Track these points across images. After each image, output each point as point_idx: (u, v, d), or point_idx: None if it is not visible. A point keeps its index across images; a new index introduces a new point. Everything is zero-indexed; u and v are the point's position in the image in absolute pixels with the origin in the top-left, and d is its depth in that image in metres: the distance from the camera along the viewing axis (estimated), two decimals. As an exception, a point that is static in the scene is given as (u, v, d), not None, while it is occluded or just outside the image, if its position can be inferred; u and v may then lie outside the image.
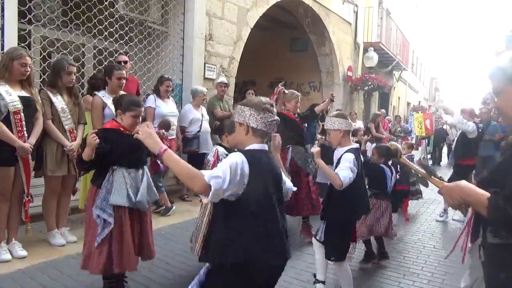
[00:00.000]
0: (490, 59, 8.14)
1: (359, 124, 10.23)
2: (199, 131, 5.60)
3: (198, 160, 4.40)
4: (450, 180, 5.55)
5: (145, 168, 2.76)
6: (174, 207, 5.10)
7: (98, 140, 2.40)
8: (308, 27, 10.33)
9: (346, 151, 2.82)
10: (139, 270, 2.82)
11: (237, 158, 1.75)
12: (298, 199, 4.25)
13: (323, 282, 3.08)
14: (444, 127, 12.49)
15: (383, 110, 11.99)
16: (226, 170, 1.68)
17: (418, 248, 4.43)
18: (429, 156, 13.68)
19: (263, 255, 1.75)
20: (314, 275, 3.12)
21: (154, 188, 2.82)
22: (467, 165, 5.42)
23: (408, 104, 22.11)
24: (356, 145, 2.99)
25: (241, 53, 7.27)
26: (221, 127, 3.36)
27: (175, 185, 6.17)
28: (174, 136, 5.19)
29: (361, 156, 3.11)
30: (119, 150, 2.55)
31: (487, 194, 1.27)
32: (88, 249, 2.58)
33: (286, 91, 4.62)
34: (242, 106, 1.88)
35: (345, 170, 2.69)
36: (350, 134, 2.97)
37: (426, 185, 5.98)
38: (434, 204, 6.96)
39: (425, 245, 4.56)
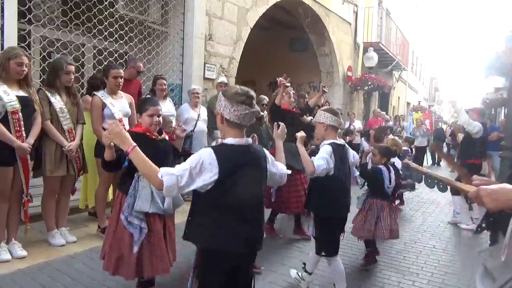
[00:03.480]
0: (490, 58, 8.12)
1: (357, 124, 10.23)
2: (192, 131, 5.59)
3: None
4: (457, 180, 5.52)
5: None
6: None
7: (111, 142, 2.29)
8: (308, 27, 10.32)
9: (326, 144, 2.87)
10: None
11: (203, 154, 1.81)
12: (287, 196, 4.24)
13: (310, 273, 3.12)
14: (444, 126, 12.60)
15: (378, 110, 12.00)
16: (185, 168, 1.76)
17: (418, 248, 4.42)
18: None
19: (227, 243, 1.84)
20: (304, 264, 3.17)
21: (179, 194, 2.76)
22: (471, 164, 5.39)
23: (408, 104, 22.09)
24: (341, 141, 3.02)
25: (241, 53, 7.26)
26: None
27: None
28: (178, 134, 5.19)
29: (355, 155, 3.15)
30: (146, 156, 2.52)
31: None
32: (117, 252, 2.54)
33: (288, 84, 4.61)
34: (221, 95, 1.89)
35: (320, 160, 2.76)
36: (336, 130, 3.00)
37: (444, 190, 5.95)
38: (434, 204, 6.97)
39: (425, 245, 4.55)
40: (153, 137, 2.62)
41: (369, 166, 4.09)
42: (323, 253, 2.94)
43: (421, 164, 11.47)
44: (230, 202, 1.82)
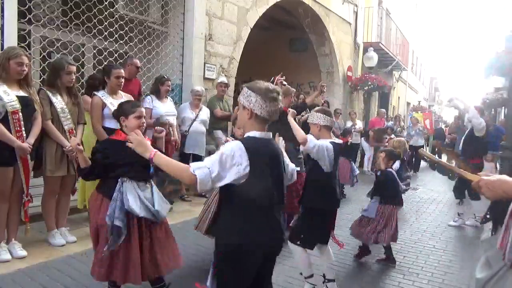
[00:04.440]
0: (490, 59, 8.17)
1: (358, 124, 10.23)
2: (186, 131, 5.59)
3: (183, 160, 4.41)
4: (459, 180, 5.56)
5: (152, 181, 2.69)
6: (172, 207, 5.13)
7: (72, 149, 2.31)
8: (308, 27, 10.32)
9: (328, 142, 2.95)
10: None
11: (234, 146, 1.81)
12: (290, 196, 4.23)
13: (333, 280, 3.11)
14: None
15: (383, 110, 12.00)
16: (214, 160, 1.76)
17: (418, 248, 4.43)
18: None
19: (255, 240, 1.83)
20: (323, 276, 3.13)
21: (165, 199, 2.73)
22: (473, 164, 5.39)
23: (408, 104, 22.09)
24: (338, 141, 3.10)
25: (241, 53, 7.26)
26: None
27: (175, 185, 6.18)
28: (175, 137, 5.18)
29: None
30: (128, 163, 2.45)
31: None
32: (96, 256, 2.52)
33: (285, 83, 4.60)
34: (249, 91, 1.88)
35: (318, 142, 2.86)
36: (330, 129, 3.09)
37: (452, 178, 6.07)
38: (434, 204, 6.97)
39: (425, 245, 4.56)
40: None
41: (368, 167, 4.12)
42: (297, 242, 3.01)
43: (418, 165, 11.42)
44: (259, 195, 1.82)
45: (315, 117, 3.02)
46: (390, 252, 3.87)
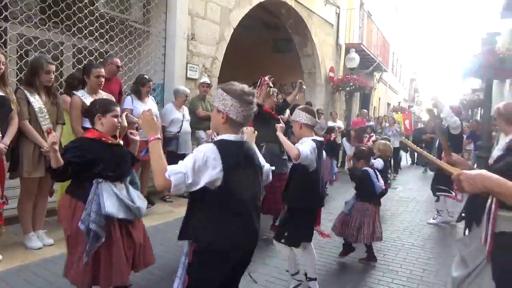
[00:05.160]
0: (467, 61, 8.43)
1: (339, 124, 10.34)
2: (178, 132, 5.57)
3: (175, 161, 4.37)
4: (436, 176, 5.70)
5: (127, 180, 2.62)
6: (152, 208, 5.11)
7: (55, 145, 2.20)
8: (291, 28, 10.38)
9: (310, 140, 2.99)
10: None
11: (207, 150, 1.78)
12: (267, 198, 4.24)
13: (315, 279, 3.16)
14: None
15: (365, 111, 12.17)
16: (188, 164, 1.73)
17: (397, 246, 4.51)
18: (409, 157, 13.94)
19: (230, 241, 1.82)
20: (305, 274, 3.19)
21: (142, 197, 2.68)
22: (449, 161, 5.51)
23: (388, 105, 22.48)
24: (320, 138, 3.14)
25: (224, 53, 7.25)
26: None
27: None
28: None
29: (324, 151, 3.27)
30: (103, 162, 2.39)
31: None
32: (72, 261, 2.40)
33: (271, 84, 4.62)
34: (224, 93, 1.84)
35: (306, 148, 2.88)
36: (312, 128, 3.12)
37: (433, 170, 6.30)
38: (413, 202, 7.11)
39: (404, 243, 4.65)
40: (109, 141, 2.49)
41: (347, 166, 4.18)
42: (282, 241, 3.04)
43: (398, 166, 11.54)
44: (233, 198, 1.81)
45: (298, 115, 3.06)
46: (371, 251, 3.92)
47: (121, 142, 2.63)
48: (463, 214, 3.09)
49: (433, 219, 5.68)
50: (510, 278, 1.34)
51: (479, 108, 15.54)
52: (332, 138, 6.97)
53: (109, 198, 2.37)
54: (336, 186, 7.85)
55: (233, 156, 1.82)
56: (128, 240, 2.49)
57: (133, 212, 2.47)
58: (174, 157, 5.32)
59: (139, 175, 4.99)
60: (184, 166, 1.74)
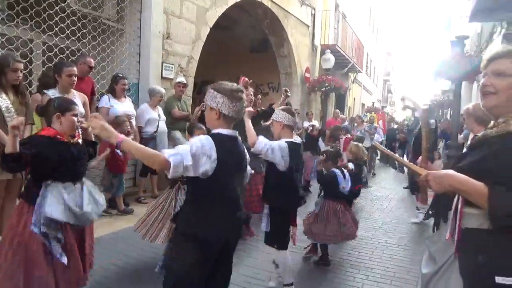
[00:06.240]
0: (438, 63, 8.73)
1: (315, 123, 10.44)
2: (155, 132, 5.50)
3: None
4: (409, 175, 5.86)
5: (84, 180, 2.51)
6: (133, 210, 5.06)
7: (16, 130, 2.05)
8: (267, 28, 10.43)
9: (284, 141, 2.99)
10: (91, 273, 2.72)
11: (203, 139, 1.88)
12: (245, 197, 4.25)
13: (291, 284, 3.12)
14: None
15: (337, 111, 12.35)
16: (186, 149, 1.81)
17: (373, 244, 4.60)
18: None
19: (215, 232, 1.92)
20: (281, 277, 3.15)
21: (100, 199, 2.56)
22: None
23: (363, 105, 22.92)
24: (298, 140, 3.14)
25: (200, 53, 7.20)
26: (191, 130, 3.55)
27: (132, 186, 6.01)
28: (132, 137, 5.06)
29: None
30: (55, 161, 2.29)
31: (483, 185, 1.36)
32: (29, 275, 2.23)
33: (249, 82, 4.64)
34: (215, 92, 1.96)
35: (266, 142, 2.91)
36: (292, 129, 3.13)
37: (402, 171, 6.30)
38: (386, 201, 7.27)
39: (379, 241, 4.75)
40: (66, 140, 2.41)
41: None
42: (275, 246, 3.03)
43: (360, 170, 11.69)
44: (222, 189, 1.92)
45: (280, 115, 3.05)
46: (325, 254, 3.89)
47: (80, 141, 2.55)
48: (430, 212, 3.20)
49: (416, 217, 5.80)
50: (476, 272, 1.39)
51: (449, 109, 16.07)
52: (313, 133, 7.15)
53: (54, 202, 2.26)
54: (317, 186, 7.91)
55: (226, 148, 1.93)
56: (81, 244, 2.45)
57: (77, 217, 2.36)
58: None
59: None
60: (181, 149, 1.81)
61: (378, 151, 10.78)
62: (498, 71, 1.49)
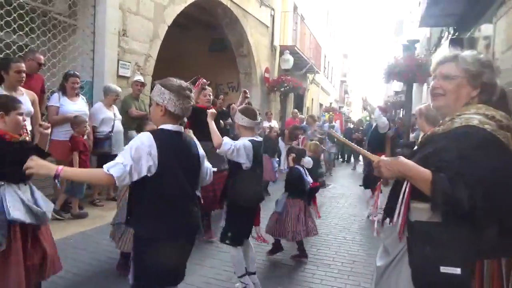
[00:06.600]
0: (390, 65, 9.19)
1: (274, 123, 10.54)
2: (111, 131, 5.32)
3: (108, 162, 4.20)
4: (364, 171, 6.06)
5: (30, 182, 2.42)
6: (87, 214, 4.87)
7: None
8: (227, 27, 10.40)
9: (248, 140, 3.04)
10: (44, 283, 2.58)
11: (143, 138, 1.87)
12: (208, 196, 4.21)
13: (254, 273, 3.17)
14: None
15: (295, 110, 12.54)
16: (126, 155, 1.80)
17: (330, 241, 4.73)
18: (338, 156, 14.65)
19: (168, 231, 1.91)
20: (246, 269, 3.16)
21: (47, 199, 2.49)
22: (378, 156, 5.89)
23: (321, 105, 23.46)
24: (259, 139, 3.19)
25: (158, 51, 7.04)
26: (140, 127, 3.48)
27: (86, 189, 5.77)
28: (86, 137, 4.86)
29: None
30: (6, 162, 2.20)
31: (429, 171, 1.44)
32: None
33: (207, 83, 4.60)
34: (162, 88, 1.93)
35: (231, 142, 2.96)
36: (251, 129, 3.16)
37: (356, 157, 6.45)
38: (343, 198, 7.50)
39: (336, 238, 4.89)
40: (12, 139, 2.31)
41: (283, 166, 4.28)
42: (227, 242, 3.06)
43: (317, 167, 11.96)
44: (168, 189, 1.89)
45: (239, 117, 3.10)
46: (302, 248, 4.03)
47: (27, 139, 2.44)
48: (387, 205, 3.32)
49: (374, 216, 5.96)
50: (423, 262, 1.47)
51: (401, 109, 16.84)
52: (271, 134, 7.22)
53: (14, 202, 2.19)
54: (278, 184, 7.99)
55: (169, 144, 1.91)
56: (35, 246, 2.32)
57: (38, 217, 2.29)
58: (108, 159, 5.08)
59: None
60: (121, 157, 1.81)
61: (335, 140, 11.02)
62: (445, 74, 1.62)
